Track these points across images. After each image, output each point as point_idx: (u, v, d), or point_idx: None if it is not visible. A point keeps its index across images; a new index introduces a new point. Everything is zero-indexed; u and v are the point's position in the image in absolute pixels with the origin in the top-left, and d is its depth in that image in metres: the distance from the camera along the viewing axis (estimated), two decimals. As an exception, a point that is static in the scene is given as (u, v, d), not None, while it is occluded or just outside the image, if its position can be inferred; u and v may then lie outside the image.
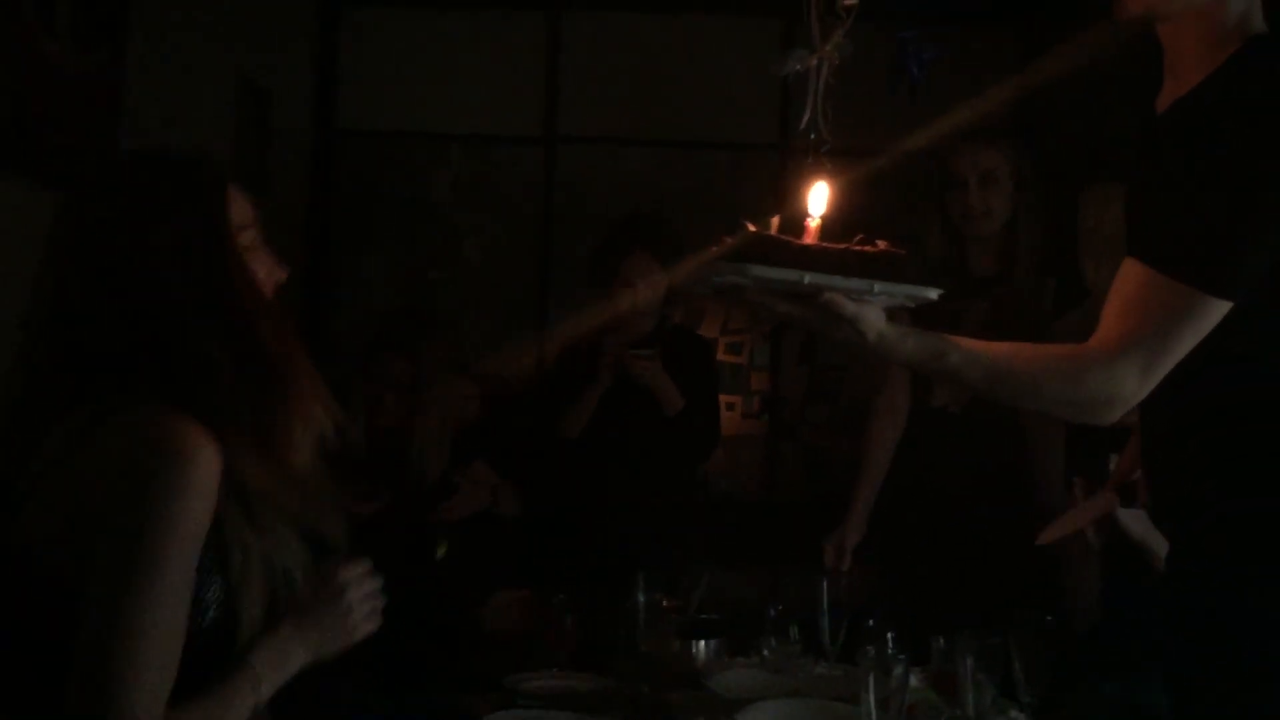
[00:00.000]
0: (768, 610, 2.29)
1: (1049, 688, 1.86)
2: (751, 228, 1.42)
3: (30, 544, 1.31)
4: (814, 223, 1.48)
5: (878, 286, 1.42)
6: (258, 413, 1.36)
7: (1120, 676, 2.40)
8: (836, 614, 2.24)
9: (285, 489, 1.37)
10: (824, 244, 1.45)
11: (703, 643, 2.29)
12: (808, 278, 1.39)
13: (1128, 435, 2.57)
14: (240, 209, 1.46)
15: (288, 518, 1.39)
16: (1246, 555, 1.44)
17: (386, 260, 4.79)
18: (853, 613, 2.22)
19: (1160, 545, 2.35)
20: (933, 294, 1.47)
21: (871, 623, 2.03)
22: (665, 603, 2.30)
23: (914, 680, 1.92)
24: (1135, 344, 1.43)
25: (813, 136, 1.87)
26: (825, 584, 2.25)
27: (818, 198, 1.49)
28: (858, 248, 1.44)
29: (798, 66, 1.83)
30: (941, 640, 2.00)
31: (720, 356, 4.58)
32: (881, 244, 1.45)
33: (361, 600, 1.46)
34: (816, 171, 1.52)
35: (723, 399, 3.81)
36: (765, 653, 2.28)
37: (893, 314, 1.51)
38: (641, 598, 2.25)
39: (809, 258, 1.41)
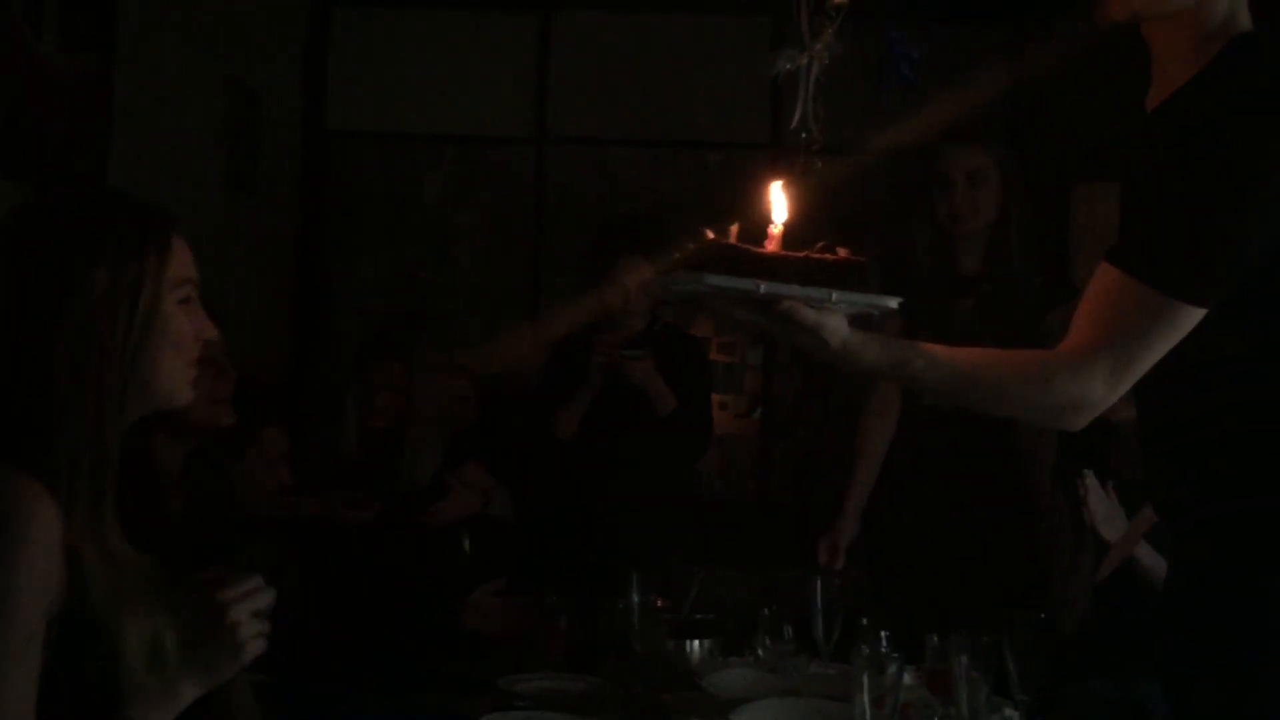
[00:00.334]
0: (762, 610, 2.29)
1: (1043, 686, 1.86)
2: (711, 235, 1.41)
3: None
4: (776, 230, 1.46)
5: (836, 295, 1.40)
6: (91, 489, 1.31)
7: (1114, 675, 2.41)
8: (830, 613, 2.23)
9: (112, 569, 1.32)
10: (783, 252, 1.43)
11: (697, 643, 2.29)
12: (764, 286, 1.38)
13: (1113, 432, 2.58)
14: (185, 262, 1.43)
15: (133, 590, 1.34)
16: (1246, 556, 1.44)
17: (377, 261, 4.79)
18: (846, 612, 2.22)
19: (1153, 562, 2.37)
20: (892, 303, 1.46)
21: (865, 622, 2.03)
22: (659, 603, 2.30)
23: (908, 679, 1.92)
24: (1105, 349, 1.42)
25: (804, 136, 1.87)
26: (819, 583, 2.25)
27: (780, 205, 1.48)
28: (817, 255, 1.43)
29: (788, 66, 1.83)
30: (936, 639, 2.00)
31: (713, 356, 4.58)
32: (842, 252, 1.44)
33: (247, 620, 1.39)
34: (778, 177, 1.51)
35: (715, 398, 3.81)
36: (759, 652, 2.28)
37: (870, 322, 1.50)
38: (636, 598, 2.25)
39: (767, 266, 1.40)
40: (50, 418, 1.30)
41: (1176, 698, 1.55)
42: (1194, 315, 1.39)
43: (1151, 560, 2.40)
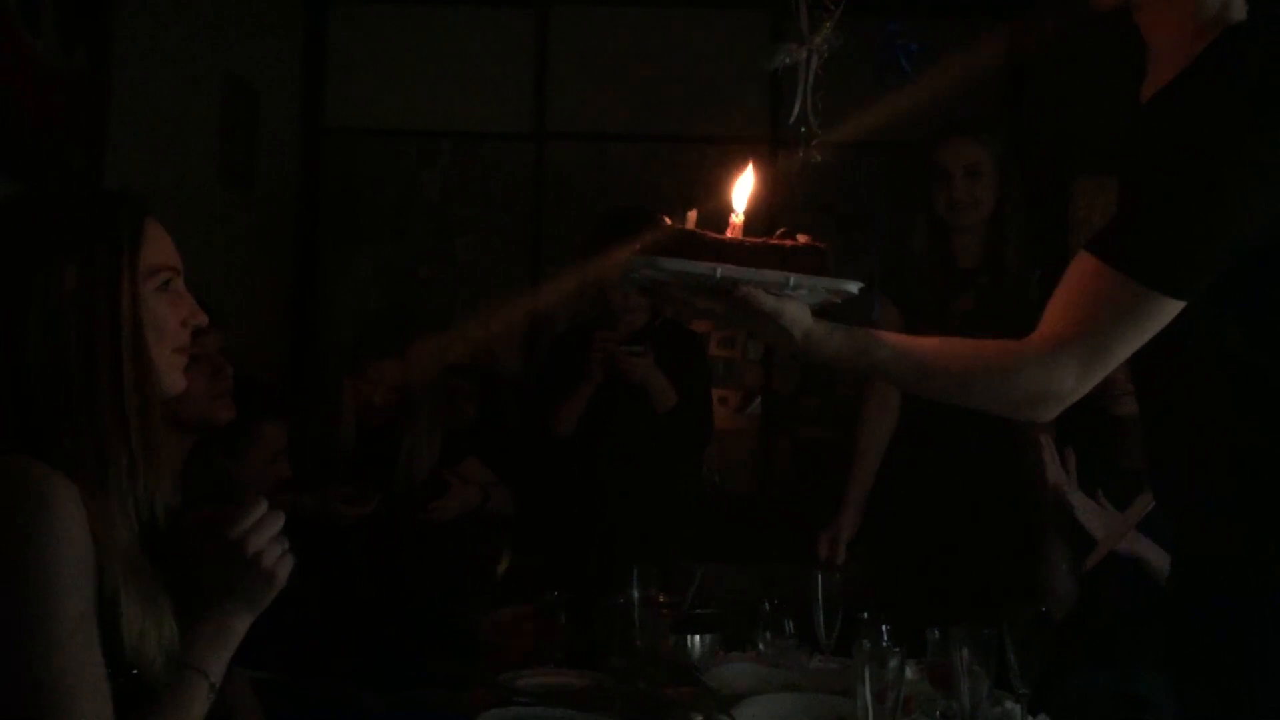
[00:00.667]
0: (762, 604, 2.29)
1: (1042, 678, 1.86)
2: (669, 222, 1.40)
3: None
4: (738, 219, 1.45)
5: (794, 279, 1.39)
6: (96, 479, 1.32)
7: (1112, 665, 2.41)
8: (831, 607, 2.23)
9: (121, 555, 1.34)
10: (741, 238, 1.42)
11: (698, 638, 2.29)
12: (720, 270, 1.37)
13: (1120, 426, 2.58)
14: (162, 249, 1.43)
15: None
16: (1246, 550, 1.44)
17: (376, 258, 4.78)
18: (847, 606, 2.22)
19: (1157, 557, 2.37)
20: (853, 287, 1.44)
21: (866, 615, 2.03)
22: (661, 598, 2.30)
23: (909, 672, 1.92)
24: (1078, 340, 1.41)
25: (803, 130, 1.86)
26: (820, 577, 2.25)
27: (741, 193, 1.47)
28: (775, 241, 1.42)
29: (786, 59, 1.83)
30: (936, 632, 2.00)
31: (713, 351, 4.58)
32: (802, 238, 1.43)
33: (268, 545, 1.40)
34: (743, 166, 1.49)
35: (715, 393, 3.80)
36: (760, 647, 2.28)
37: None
38: (636, 593, 2.25)
39: (724, 251, 1.39)
40: (50, 413, 1.31)
41: (1180, 691, 1.54)
42: (1171, 307, 1.38)
43: (1155, 555, 2.40)
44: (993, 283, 2.86)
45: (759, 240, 1.42)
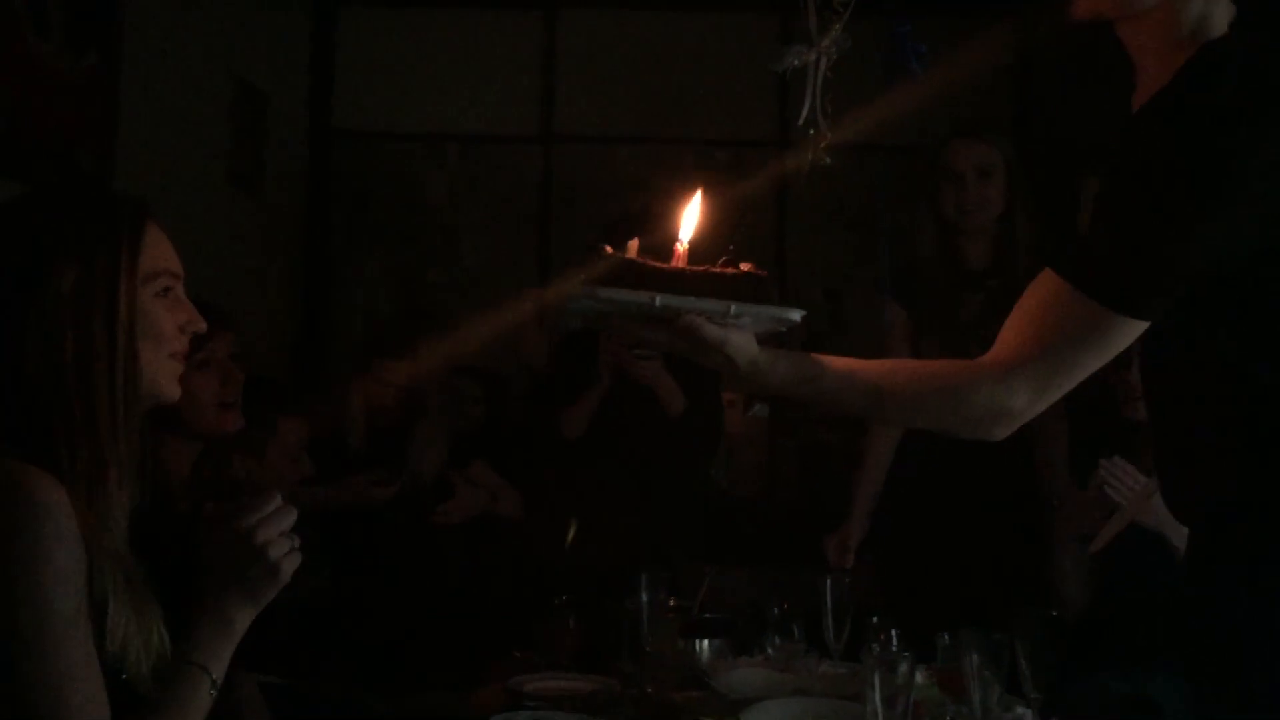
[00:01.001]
0: (771, 609, 2.28)
1: (1054, 682, 1.85)
2: (610, 251, 1.38)
3: None
4: (682, 247, 1.43)
5: (735, 307, 1.37)
6: (89, 484, 1.32)
7: (1125, 670, 2.40)
8: (840, 612, 2.22)
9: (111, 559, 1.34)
10: (683, 267, 1.40)
11: (706, 642, 2.28)
12: (659, 299, 1.35)
13: (1133, 431, 2.56)
14: (162, 253, 1.42)
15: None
16: (1255, 555, 1.43)
17: (384, 261, 4.78)
18: (856, 610, 2.21)
19: (1177, 532, 2.35)
20: (795, 315, 1.42)
21: (876, 620, 2.02)
22: (670, 602, 2.29)
23: (919, 677, 1.91)
24: (1034, 360, 1.40)
25: (812, 132, 1.85)
26: (829, 582, 2.24)
27: (688, 221, 1.45)
28: (717, 269, 1.40)
29: (795, 62, 1.82)
30: (947, 637, 1.99)
31: (721, 354, 4.56)
32: (745, 266, 1.41)
33: (276, 540, 1.40)
34: (691, 195, 1.47)
35: (724, 397, 3.79)
36: (769, 651, 2.27)
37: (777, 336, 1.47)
38: (645, 597, 2.24)
39: (665, 280, 1.37)
40: (45, 416, 1.31)
41: (1193, 694, 1.53)
42: (1134, 328, 1.37)
43: (1176, 530, 2.37)
44: (1002, 285, 2.85)
45: (701, 268, 1.40)
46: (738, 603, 2.54)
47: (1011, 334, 1.45)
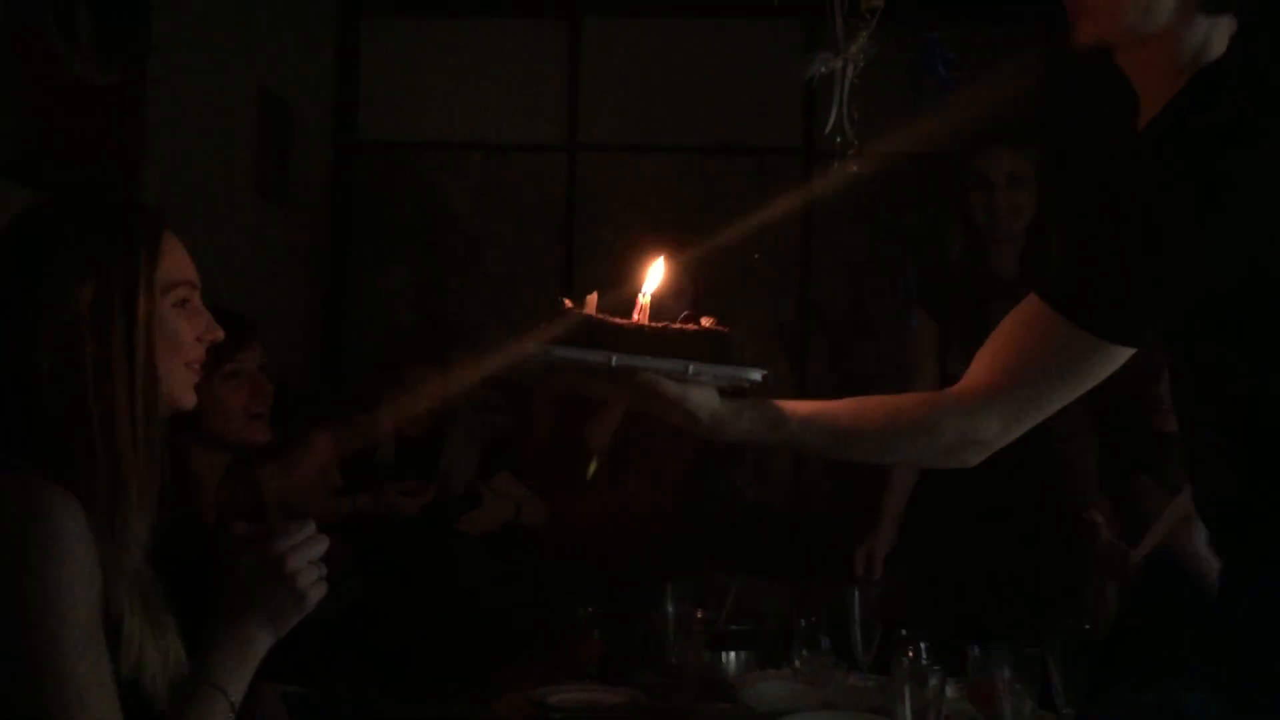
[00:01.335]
0: (799, 620, 2.26)
1: (1086, 697, 1.83)
2: (569, 305, 1.36)
3: None
4: (644, 300, 1.40)
5: (693, 368, 1.34)
6: (108, 498, 1.31)
7: (1157, 684, 2.37)
8: (869, 624, 2.20)
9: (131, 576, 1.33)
10: (642, 323, 1.37)
11: (733, 654, 2.27)
12: (615, 359, 1.32)
13: (1163, 443, 2.54)
14: (179, 263, 1.42)
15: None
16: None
17: (407, 270, 4.79)
18: (885, 622, 2.19)
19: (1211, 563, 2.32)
20: (756, 375, 1.39)
21: (905, 632, 2.00)
22: (699, 614, 2.27)
23: (950, 691, 1.89)
24: (1009, 390, 1.38)
25: (838, 140, 1.84)
26: (857, 593, 2.22)
27: (652, 277, 1.42)
28: (677, 326, 1.37)
29: (822, 69, 1.81)
30: (977, 650, 1.97)
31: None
32: (707, 321, 1.38)
33: (305, 568, 1.39)
34: (658, 254, 1.44)
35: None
36: (796, 664, 2.25)
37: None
38: (670, 609, 2.23)
39: (622, 338, 1.34)
40: (63, 430, 1.30)
41: (1225, 705, 1.51)
42: (1120, 355, 1.35)
43: (1201, 546, 2.34)
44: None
45: (661, 325, 1.37)
46: (765, 614, 2.52)
47: (986, 362, 1.43)
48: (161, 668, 1.33)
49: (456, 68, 4.73)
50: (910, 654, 1.80)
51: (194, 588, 1.41)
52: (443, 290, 4.78)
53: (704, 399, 1.38)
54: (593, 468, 2.96)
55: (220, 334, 1.47)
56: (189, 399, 1.44)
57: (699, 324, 1.38)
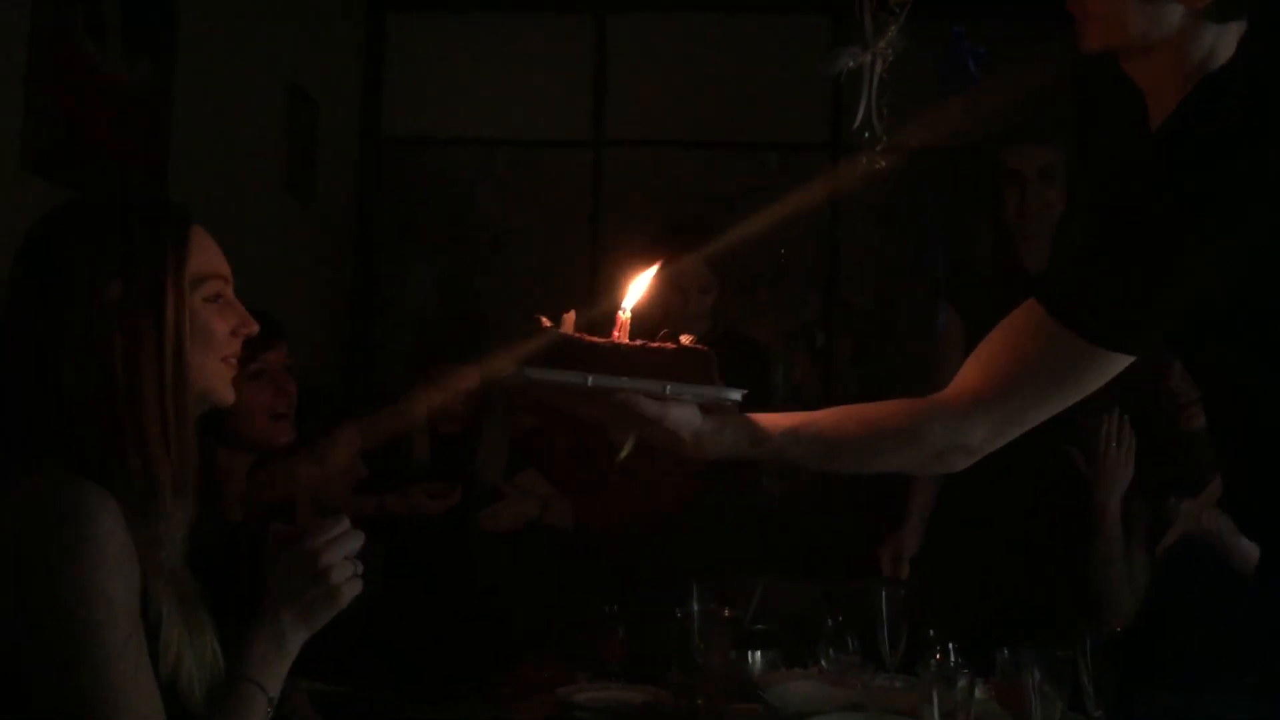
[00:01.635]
0: (825, 620, 2.24)
1: (1114, 700, 1.81)
2: (547, 324, 1.34)
3: None
4: (625, 316, 1.38)
5: (670, 388, 1.32)
6: (144, 495, 1.31)
7: (1186, 687, 2.34)
8: (896, 624, 2.18)
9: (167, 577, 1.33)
10: (620, 342, 1.35)
11: (759, 653, 2.25)
12: (591, 379, 1.30)
13: (1190, 440, 2.51)
14: (209, 258, 1.41)
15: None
16: None
17: (434, 266, 4.80)
18: (912, 622, 2.17)
19: (1242, 544, 2.29)
20: (735, 395, 1.37)
21: (932, 633, 1.98)
22: (726, 613, 2.26)
23: (978, 692, 1.87)
24: (998, 399, 1.37)
25: (866, 135, 1.82)
26: (884, 593, 2.20)
27: (634, 291, 1.40)
28: (655, 345, 1.35)
29: (850, 63, 1.79)
30: (1006, 651, 1.95)
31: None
32: (685, 339, 1.37)
33: (340, 564, 1.39)
34: (646, 267, 1.42)
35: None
36: (823, 664, 2.23)
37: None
38: (696, 608, 2.22)
39: (599, 357, 1.32)
40: (94, 425, 1.30)
41: (1253, 705, 1.49)
42: (1118, 364, 1.34)
43: (1238, 540, 2.31)
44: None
45: (639, 344, 1.35)
46: (791, 614, 2.50)
47: (976, 367, 1.42)
48: (199, 668, 1.33)
49: (482, 64, 4.73)
50: (939, 655, 1.79)
51: (222, 586, 1.41)
52: (469, 286, 4.79)
53: (685, 417, 1.37)
54: (627, 449, 2.94)
55: (255, 327, 1.46)
56: (227, 394, 1.44)
57: (678, 342, 1.36)
